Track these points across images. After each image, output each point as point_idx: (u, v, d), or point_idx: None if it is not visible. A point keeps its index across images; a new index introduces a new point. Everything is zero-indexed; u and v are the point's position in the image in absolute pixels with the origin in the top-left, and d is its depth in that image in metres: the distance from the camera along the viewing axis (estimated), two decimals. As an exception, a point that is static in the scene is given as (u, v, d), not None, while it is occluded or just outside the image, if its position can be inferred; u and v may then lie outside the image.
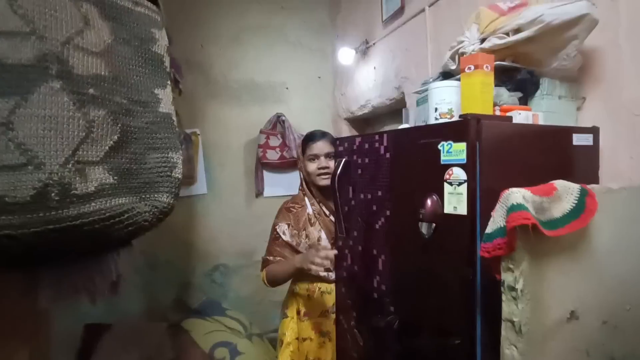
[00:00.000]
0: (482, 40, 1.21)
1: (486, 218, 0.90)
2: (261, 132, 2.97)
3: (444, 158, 1.01)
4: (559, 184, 0.82)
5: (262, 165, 3.00)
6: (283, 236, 1.55)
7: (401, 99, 2.27)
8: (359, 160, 1.35)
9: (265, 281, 1.55)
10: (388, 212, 1.23)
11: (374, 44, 2.53)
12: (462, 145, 0.97)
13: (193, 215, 2.88)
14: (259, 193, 3.04)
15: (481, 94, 1.04)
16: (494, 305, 0.89)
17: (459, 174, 0.98)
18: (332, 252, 1.36)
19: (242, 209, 3.02)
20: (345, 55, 2.71)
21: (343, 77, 3.01)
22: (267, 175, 3.05)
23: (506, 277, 0.79)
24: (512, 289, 0.78)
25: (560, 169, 1.08)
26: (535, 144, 1.05)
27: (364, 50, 2.61)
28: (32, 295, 0.61)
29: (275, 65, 3.06)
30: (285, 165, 3.04)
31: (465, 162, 0.97)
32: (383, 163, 1.24)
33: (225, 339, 2.55)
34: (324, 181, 1.51)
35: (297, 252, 1.53)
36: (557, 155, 1.08)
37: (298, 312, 1.55)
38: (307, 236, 1.53)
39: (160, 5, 0.88)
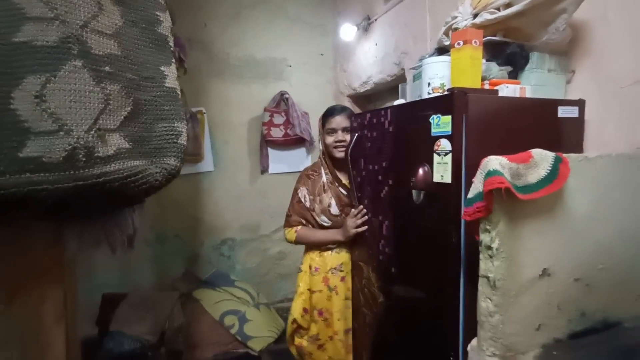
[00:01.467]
0: (475, 16, 1.25)
1: (468, 185, 0.97)
2: (265, 110, 3.02)
3: (434, 130, 1.08)
4: (536, 152, 0.88)
5: (267, 142, 3.06)
6: (303, 199, 1.68)
7: (401, 75, 2.30)
8: (369, 134, 1.44)
9: (293, 240, 1.70)
10: (390, 181, 1.31)
11: (375, 20, 2.53)
12: (448, 118, 1.03)
13: (200, 192, 2.98)
14: (264, 170, 3.12)
15: (470, 68, 1.09)
16: (475, 265, 0.97)
17: (445, 145, 1.05)
18: (360, 208, 1.50)
19: (247, 185, 3.11)
20: (347, 31, 2.72)
21: (345, 53, 3.02)
22: (272, 153, 3.12)
23: (484, 238, 0.87)
24: (489, 247, 0.86)
25: (545, 140, 1.12)
26: (521, 117, 1.10)
27: (366, 26, 2.62)
28: (60, 245, 0.70)
29: (276, 42, 3.07)
30: (289, 143, 3.10)
31: (450, 133, 1.03)
32: (387, 136, 1.32)
33: (235, 308, 2.70)
34: (340, 153, 1.63)
35: (313, 217, 1.67)
36: (542, 127, 1.14)
37: (310, 267, 1.70)
38: (320, 201, 1.66)
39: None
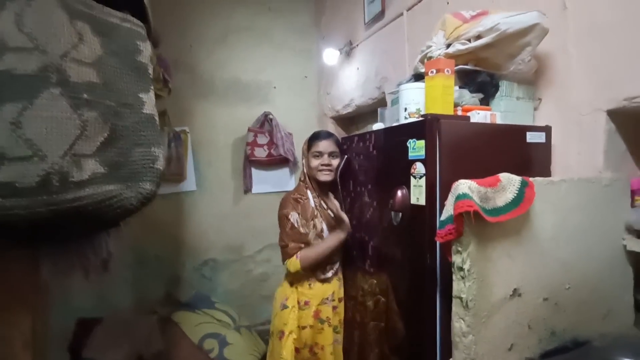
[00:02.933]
0: (448, 46, 1.32)
1: (442, 207, 1.01)
2: (249, 130, 3.05)
3: (411, 154, 1.12)
4: (503, 176, 0.93)
5: (250, 162, 3.08)
6: (296, 225, 1.57)
7: (382, 98, 2.38)
8: (356, 157, 1.49)
9: (298, 267, 1.53)
10: (375, 203, 1.35)
11: (357, 45, 2.63)
12: (422, 143, 1.08)
13: (182, 212, 2.95)
14: (248, 190, 3.12)
15: (442, 96, 1.14)
16: (451, 285, 1.00)
17: (420, 168, 1.09)
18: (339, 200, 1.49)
19: (230, 205, 3.10)
20: (330, 55, 2.80)
21: (328, 76, 3.10)
22: (255, 173, 3.13)
23: (455, 259, 0.90)
24: (460, 269, 0.88)
25: (515, 164, 1.19)
26: (492, 142, 1.16)
27: (348, 51, 2.71)
28: (35, 270, 0.69)
29: (262, 65, 3.14)
30: (273, 163, 3.12)
31: (424, 157, 1.07)
32: (372, 159, 1.36)
33: (215, 331, 2.63)
34: (325, 176, 1.61)
35: (309, 242, 1.58)
36: (512, 152, 1.19)
37: (298, 302, 1.59)
38: (314, 226, 1.59)
39: (149, 17, 0.96)
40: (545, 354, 0.97)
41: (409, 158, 1.13)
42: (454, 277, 0.91)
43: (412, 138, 1.12)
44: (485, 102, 1.30)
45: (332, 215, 1.64)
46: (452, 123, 1.09)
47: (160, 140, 0.81)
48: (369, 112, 2.75)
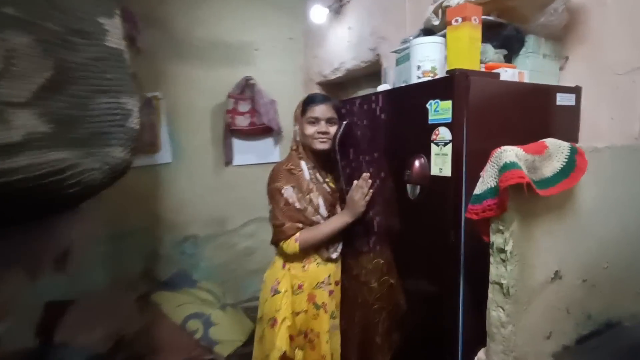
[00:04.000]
0: (469, -7, 1.14)
1: (472, 180, 0.87)
2: (229, 96, 2.80)
3: (432, 118, 0.96)
4: (550, 142, 0.79)
5: (231, 132, 2.85)
6: (291, 200, 1.39)
7: (377, 61, 2.19)
8: (359, 122, 1.31)
9: (297, 250, 1.37)
10: (383, 174, 1.19)
11: (348, 1, 2.39)
12: (448, 104, 0.92)
13: (158, 185, 2.72)
14: (228, 161, 2.91)
15: (469, 49, 0.98)
16: (476, 267, 0.88)
17: (444, 133, 0.94)
18: (365, 176, 1.27)
19: (210, 178, 2.89)
20: (318, 13, 2.55)
21: (315, 38, 2.86)
22: (237, 143, 2.92)
23: (495, 239, 0.77)
24: (502, 250, 0.76)
25: (543, 128, 1.06)
26: (521, 103, 1.02)
27: (338, 8, 2.47)
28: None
29: (243, 24, 2.85)
30: (255, 132, 2.91)
31: (450, 121, 0.92)
32: (379, 124, 1.19)
33: (198, 310, 2.50)
34: (321, 145, 1.43)
35: (307, 219, 1.40)
36: (541, 114, 1.06)
37: (292, 286, 1.44)
38: (310, 200, 1.42)
39: None
40: (581, 339, 0.88)
41: (429, 122, 0.97)
42: (492, 259, 0.78)
43: (434, 99, 0.96)
44: (508, 59, 1.15)
45: (329, 190, 1.48)
46: (482, 81, 0.94)
47: (131, 87, 0.61)
48: (361, 76, 2.55)
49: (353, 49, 2.39)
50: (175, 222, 2.78)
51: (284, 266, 1.47)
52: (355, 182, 1.31)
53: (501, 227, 0.76)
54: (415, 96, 1.02)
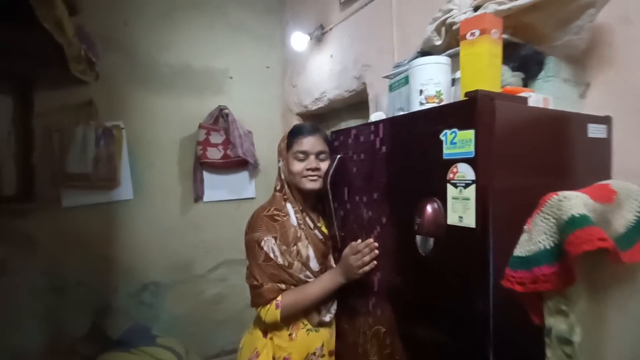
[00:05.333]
0: (477, 8, 0.98)
1: (502, 232, 0.66)
2: (200, 126, 2.56)
3: (447, 151, 0.75)
4: (617, 185, 0.59)
5: (202, 165, 2.59)
6: (273, 255, 1.14)
7: (362, 90, 2.02)
8: (354, 157, 1.09)
9: (278, 319, 1.11)
10: (384, 220, 0.96)
11: (330, 29, 2.26)
12: (470, 134, 0.72)
13: (115, 225, 2.38)
14: (198, 197, 2.62)
15: (488, 68, 0.79)
16: (514, 350, 0.64)
17: (465, 171, 0.72)
18: (368, 241, 1.04)
19: (177, 216, 2.58)
20: (298, 41, 2.41)
21: (295, 66, 2.70)
22: (208, 177, 2.65)
23: (555, 325, 0.54)
24: (566, 342, 0.53)
25: (575, 165, 0.87)
26: (551, 134, 0.83)
27: (319, 36, 2.33)
28: None
29: (215, 51, 2.67)
30: (229, 165, 2.66)
31: (473, 155, 0.71)
32: (379, 159, 0.97)
33: (155, 375, 2.11)
34: (311, 184, 1.20)
35: (291, 277, 1.15)
36: (571, 148, 0.88)
37: (274, 359, 1.17)
38: (298, 253, 1.17)
39: None
40: None
41: (444, 157, 0.76)
42: (550, 352, 0.55)
43: (449, 128, 0.75)
44: (524, 83, 0.98)
45: (320, 238, 1.23)
46: (509, 106, 0.74)
47: None
48: (344, 107, 2.39)
49: (335, 78, 2.23)
50: (133, 267, 2.43)
51: (265, 334, 1.18)
52: (353, 243, 1.08)
53: (564, 308, 0.53)
54: (424, 125, 0.82)
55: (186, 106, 2.59)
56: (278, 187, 1.27)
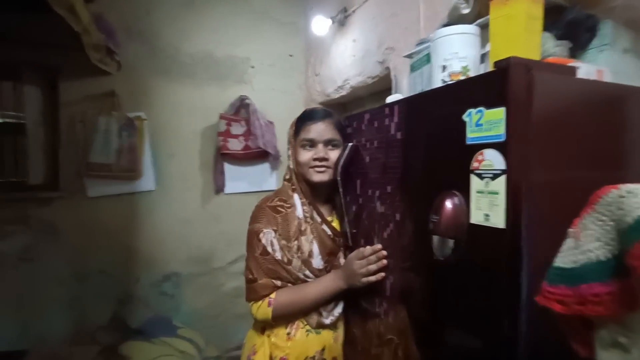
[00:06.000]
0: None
1: (538, 235, 0.52)
2: (221, 117, 2.52)
3: (471, 135, 0.62)
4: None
5: (223, 156, 2.55)
6: (271, 249, 1.06)
7: (385, 75, 1.88)
8: (368, 144, 0.97)
9: (269, 317, 1.04)
10: (398, 216, 0.83)
11: (354, 11, 2.12)
12: (500, 112, 0.58)
13: (137, 216, 2.40)
14: (219, 189, 2.59)
15: (525, 34, 0.64)
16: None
17: (493, 159, 0.59)
18: (376, 247, 0.94)
19: (197, 207, 2.56)
20: (320, 25, 2.29)
21: (318, 54, 2.59)
22: (229, 169, 2.61)
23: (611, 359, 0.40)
24: (626, 385, 0.39)
25: (635, 153, 0.71)
26: (605, 114, 0.67)
27: (342, 19, 2.20)
28: None
29: (238, 39, 2.61)
30: (250, 157, 2.60)
31: (504, 139, 0.57)
32: (393, 146, 0.85)
33: (174, 366, 2.11)
34: (319, 176, 1.09)
35: (290, 274, 1.06)
36: (632, 131, 0.71)
37: (271, 359, 1.08)
38: (299, 248, 1.08)
39: None
40: None
41: (467, 142, 0.63)
42: (601, 397, 0.41)
43: (474, 106, 0.62)
44: (572, 54, 0.82)
45: (329, 233, 1.12)
46: (551, 78, 0.60)
47: None
48: (368, 94, 2.25)
49: (358, 64, 2.10)
50: (154, 257, 2.44)
51: (262, 331, 1.10)
52: (362, 249, 0.97)
53: (623, 340, 0.40)
54: (444, 104, 0.69)
55: (207, 96, 2.55)
56: (287, 177, 1.17)
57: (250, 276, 1.06)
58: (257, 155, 2.60)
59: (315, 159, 1.09)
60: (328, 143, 1.09)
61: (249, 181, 2.69)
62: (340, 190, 1.05)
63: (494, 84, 0.59)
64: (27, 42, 2.01)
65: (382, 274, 0.94)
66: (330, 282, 1.04)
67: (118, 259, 2.34)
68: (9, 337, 2.06)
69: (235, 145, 2.56)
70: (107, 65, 2.09)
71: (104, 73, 2.18)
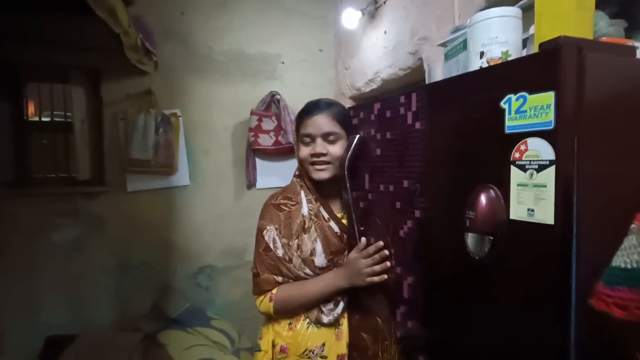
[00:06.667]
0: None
1: (593, 231, 0.48)
2: (252, 113, 2.55)
3: (511, 123, 0.58)
4: None
5: (254, 152, 2.58)
6: (273, 246, 1.07)
7: (418, 67, 1.82)
8: (378, 136, 0.93)
9: (270, 311, 1.06)
10: (418, 214, 0.80)
11: (384, 2, 2.07)
12: (548, 97, 0.53)
13: (173, 210, 2.49)
14: (251, 184, 2.63)
15: (575, 11, 0.59)
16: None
17: (539, 149, 0.55)
18: (378, 245, 0.93)
19: (230, 202, 2.62)
20: (350, 18, 2.25)
21: (348, 48, 2.55)
22: (260, 164, 2.64)
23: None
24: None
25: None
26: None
27: (372, 11, 2.15)
28: None
29: (268, 36, 2.62)
30: (281, 152, 2.62)
31: (552, 127, 0.53)
32: (411, 138, 0.81)
33: (209, 356, 2.17)
34: (319, 174, 1.06)
35: (289, 271, 1.07)
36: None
37: (273, 346, 1.10)
38: (298, 247, 1.07)
39: None
40: None
41: (507, 131, 0.59)
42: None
43: (515, 91, 0.57)
44: (628, 34, 0.75)
45: (335, 230, 1.09)
46: (606, 60, 0.54)
47: None
48: (399, 87, 2.19)
49: (389, 56, 2.04)
50: (190, 250, 2.53)
51: (270, 318, 1.14)
52: (368, 248, 0.96)
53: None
54: (477, 90, 0.64)
55: (239, 93, 2.59)
56: (297, 173, 1.17)
57: (255, 270, 1.10)
58: (288, 151, 2.61)
59: (312, 155, 1.06)
60: (327, 136, 1.05)
61: (280, 176, 2.70)
62: (348, 185, 1.00)
63: (541, 66, 0.54)
64: (73, 46, 2.13)
65: (385, 276, 0.92)
66: (330, 281, 1.05)
67: (157, 251, 2.44)
68: (61, 323, 2.21)
69: (266, 141, 2.59)
70: (145, 65, 2.18)
71: (142, 73, 2.27)
